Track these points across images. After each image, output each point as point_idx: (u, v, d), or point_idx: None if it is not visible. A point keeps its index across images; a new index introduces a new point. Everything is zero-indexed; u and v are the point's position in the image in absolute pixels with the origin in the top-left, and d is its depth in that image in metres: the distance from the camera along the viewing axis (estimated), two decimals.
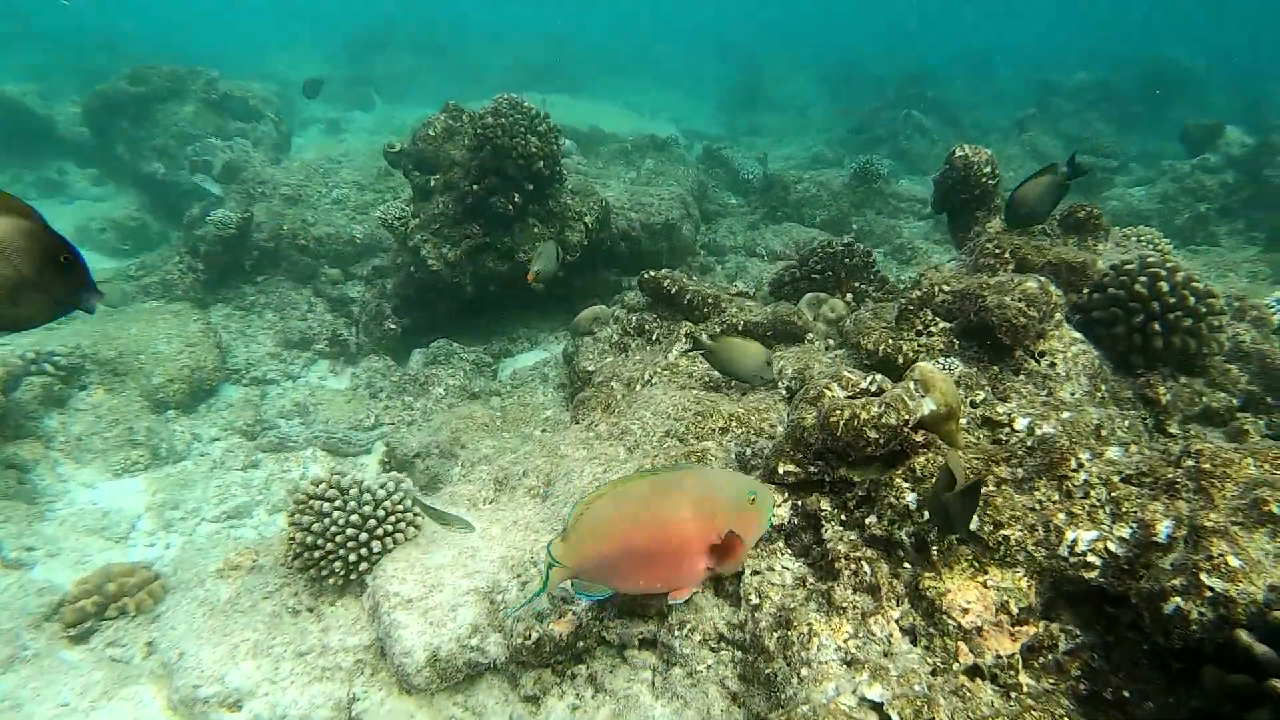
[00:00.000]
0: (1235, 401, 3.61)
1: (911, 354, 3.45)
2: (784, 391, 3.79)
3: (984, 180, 4.75)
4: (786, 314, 4.25)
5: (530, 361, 6.52)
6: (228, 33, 20.55)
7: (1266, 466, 2.28)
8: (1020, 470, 2.49)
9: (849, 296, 4.72)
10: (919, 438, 2.64)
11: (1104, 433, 3.24)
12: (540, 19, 28.77)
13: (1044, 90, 18.19)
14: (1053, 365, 3.42)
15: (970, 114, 17.82)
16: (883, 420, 2.54)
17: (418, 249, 6.14)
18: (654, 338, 4.65)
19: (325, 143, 13.48)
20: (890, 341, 3.50)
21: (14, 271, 1.59)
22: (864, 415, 2.54)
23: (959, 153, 4.73)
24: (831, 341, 4.28)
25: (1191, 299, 3.43)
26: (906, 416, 2.56)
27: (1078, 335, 3.55)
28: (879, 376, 2.83)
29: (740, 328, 4.33)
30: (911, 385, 2.68)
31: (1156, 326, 3.46)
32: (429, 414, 5.63)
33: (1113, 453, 2.48)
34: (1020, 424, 3.09)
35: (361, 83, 18.95)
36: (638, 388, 4.15)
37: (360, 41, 21.84)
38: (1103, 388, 3.48)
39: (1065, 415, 3.15)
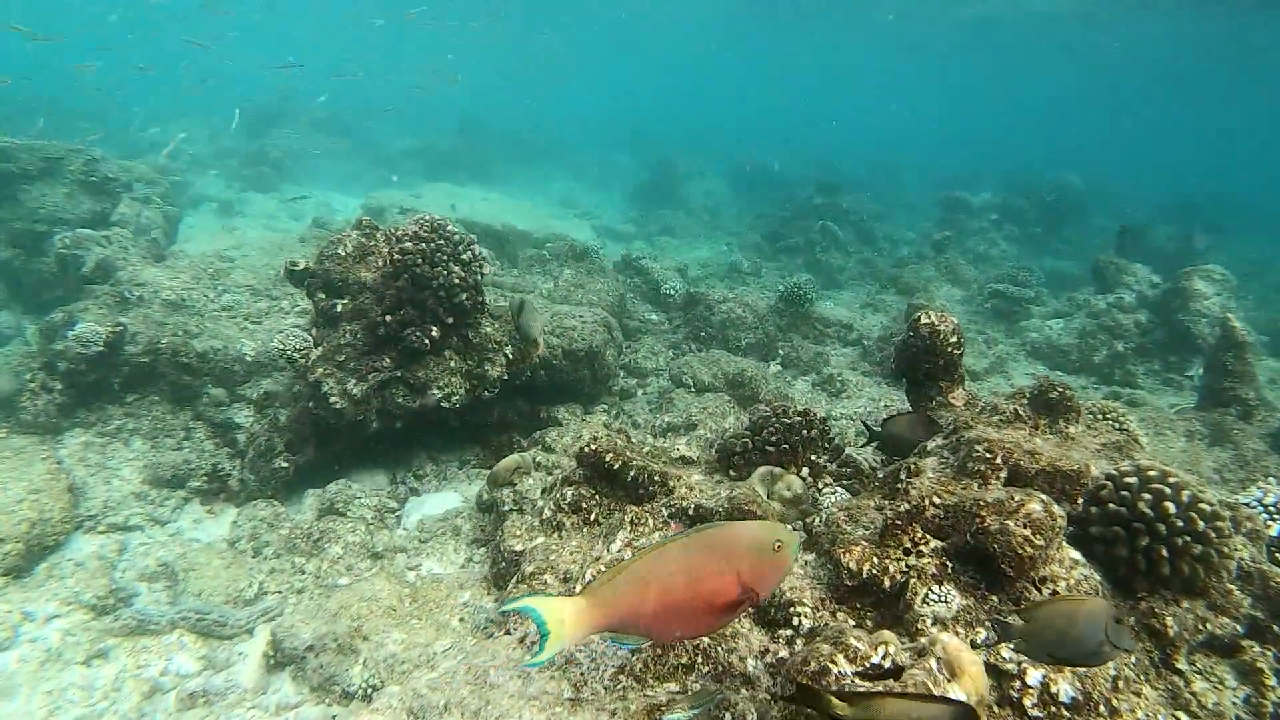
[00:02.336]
0: (1240, 629, 3.32)
1: (899, 575, 3.06)
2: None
3: (950, 350, 4.51)
4: (745, 501, 3.81)
5: (440, 509, 5.89)
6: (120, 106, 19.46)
7: None
8: None
9: (804, 471, 4.33)
10: None
11: (1120, 684, 2.90)
12: (449, 101, 28.58)
13: (951, 208, 18.85)
14: (1055, 593, 3.07)
15: (881, 226, 18.25)
16: None
17: (319, 384, 5.50)
18: (592, 518, 4.13)
19: (217, 228, 12.63)
20: (875, 560, 3.10)
21: None
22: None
23: (924, 320, 4.48)
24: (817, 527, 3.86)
25: (1200, 523, 3.15)
26: None
27: (1078, 556, 3.22)
28: (889, 642, 2.38)
29: (691, 512, 3.86)
30: (934, 665, 2.25)
31: (1163, 551, 3.15)
32: (324, 579, 4.92)
33: None
34: (1032, 679, 2.71)
35: (259, 160, 18.16)
36: (577, 588, 3.61)
37: (261, 114, 21.06)
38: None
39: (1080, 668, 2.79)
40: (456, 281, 5.45)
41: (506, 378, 6.10)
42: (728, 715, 2.59)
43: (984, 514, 3.03)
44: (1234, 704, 3.19)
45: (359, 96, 25.24)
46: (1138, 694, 3.14)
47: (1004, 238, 17.93)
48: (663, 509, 3.95)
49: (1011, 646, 2.58)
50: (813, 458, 4.45)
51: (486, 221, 12.77)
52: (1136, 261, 11.94)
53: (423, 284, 5.39)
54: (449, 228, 5.63)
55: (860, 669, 2.31)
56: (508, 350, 6.13)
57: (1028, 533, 2.93)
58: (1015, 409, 4.24)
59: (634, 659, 2.97)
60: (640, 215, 19.38)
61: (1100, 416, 4.82)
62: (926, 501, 3.18)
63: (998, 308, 11.91)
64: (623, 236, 17.16)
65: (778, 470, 4.30)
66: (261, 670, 4.08)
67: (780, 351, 9.17)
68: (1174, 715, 3.09)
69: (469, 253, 5.61)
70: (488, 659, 3.24)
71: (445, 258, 5.47)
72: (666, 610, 2.10)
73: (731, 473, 4.46)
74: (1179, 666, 3.18)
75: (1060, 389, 4.30)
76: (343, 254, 5.89)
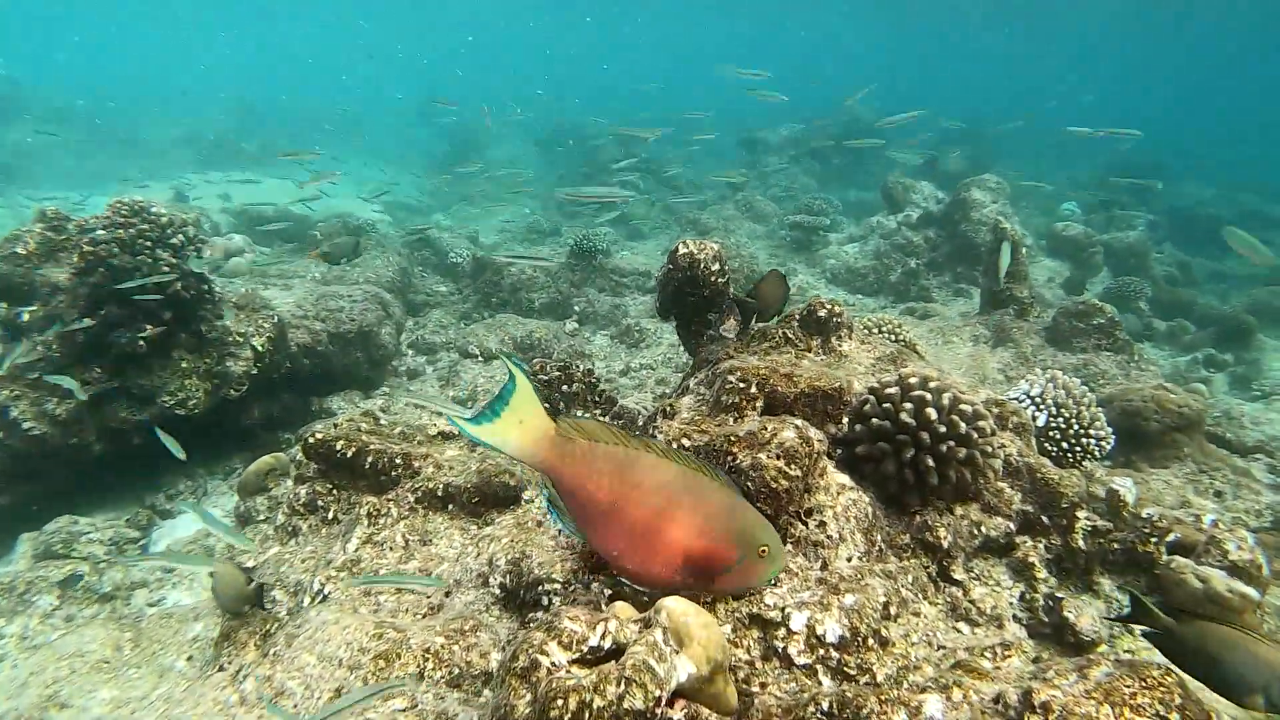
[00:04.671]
0: (1013, 526, 3.24)
1: None
2: (498, 591, 2.94)
3: (713, 278, 4.26)
4: (495, 472, 3.43)
5: (194, 529, 5.21)
6: None
7: (1125, 714, 1.75)
8: None
9: None
10: (679, 713, 1.89)
11: (894, 608, 2.71)
12: (224, 83, 26.45)
13: (751, 148, 19.05)
14: (823, 525, 2.86)
15: (685, 173, 18.20)
16: (626, 704, 1.77)
17: (5, 409, 4.67)
18: (331, 516, 3.64)
19: None
20: None
21: None
22: (599, 702, 1.77)
23: (682, 250, 4.20)
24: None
25: (962, 425, 3.01)
26: (658, 691, 1.81)
27: (845, 480, 3.02)
28: (614, 618, 2.05)
29: (440, 493, 3.44)
30: (659, 637, 1.93)
31: (929, 461, 2.99)
32: (31, 640, 4.19)
33: (932, 705, 1.85)
34: (796, 622, 2.47)
35: None
36: (306, 601, 3.13)
37: None
38: (879, 539, 2.97)
39: (849, 601, 2.57)
40: (166, 269, 4.73)
41: (256, 372, 5.44)
42: None
43: (736, 450, 2.77)
44: (1010, 604, 3.10)
45: (122, 82, 22.91)
46: (916, 614, 2.99)
47: (805, 173, 18.29)
48: (409, 494, 3.51)
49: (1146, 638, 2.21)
50: (580, 413, 4.11)
51: (260, 209, 11.75)
52: (923, 180, 12.37)
53: (124, 277, 4.65)
54: (153, 210, 4.90)
55: (577, 655, 1.96)
56: (255, 342, 5.46)
57: (781, 464, 2.69)
58: (785, 333, 4.04)
59: (353, 675, 2.52)
60: (437, 188, 18.50)
61: (875, 330, 4.73)
62: (675, 445, 2.87)
63: (796, 239, 12.04)
64: (419, 210, 16.32)
65: None
66: None
67: (576, 308, 8.83)
68: (954, 628, 2.97)
69: (180, 236, 4.90)
70: (185, 708, 2.72)
71: (149, 244, 4.75)
72: (618, 516, 1.86)
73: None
74: (956, 577, 3.06)
75: (829, 307, 4.12)
76: (23, 253, 5.03)
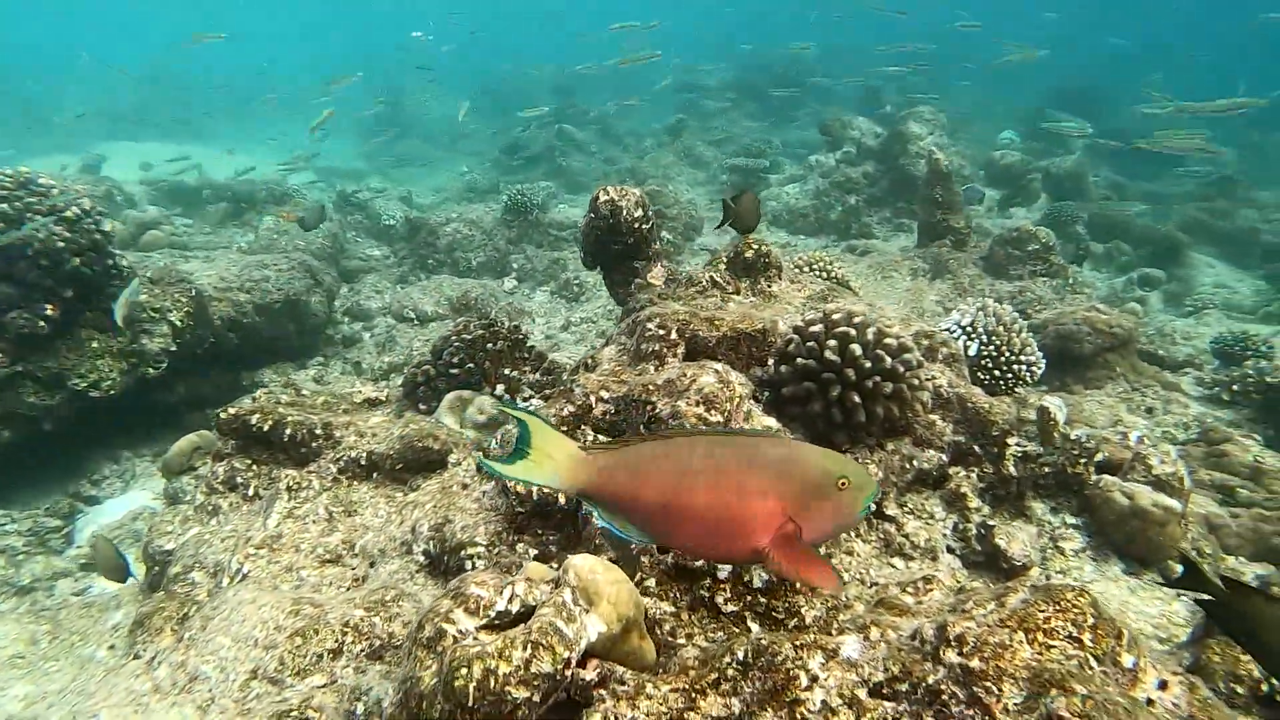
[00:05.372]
0: (945, 458, 3.22)
1: None
2: (421, 558, 2.87)
3: (636, 225, 4.16)
4: (419, 436, 3.33)
5: (121, 513, 5.06)
6: None
7: (1039, 639, 1.72)
8: (736, 701, 1.76)
9: (500, 389, 3.89)
10: (591, 673, 1.83)
11: (822, 551, 2.68)
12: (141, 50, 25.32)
13: (689, 92, 18.79)
14: None
15: (624, 122, 17.93)
16: (534, 668, 1.71)
17: None
18: (251, 492, 3.52)
19: None
20: None
21: None
22: (504, 668, 1.70)
23: (603, 197, 4.09)
24: (489, 448, 3.43)
25: (888, 360, 2.96)
26: (567, 653, 1.75)
27: (772, 421, 2.97)
28: (524, 580, 1.98)
29: (363, 462, 3.34)
30: (567, 598, 1.86)
31: (856, 398, 2.95)
32: None
33: (850, 646, 1.81)
34: (722, 570, 2.43)
35: None
36: (225, 581, 3.02)
37: None
38: None
39: None
40: (60, 245, 4.51)
41: (176, 348, 5.25)
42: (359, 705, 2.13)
43: (655, 398, 2.70)
44: (944, 535, 3.10)
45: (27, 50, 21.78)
46: (850, 553, 2.98)
47: (745, 115, 18.10)
48: (331, 465, 3.40)
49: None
50: (508, 372, 4.02)
51: (178, 178, 11.31)
52: (860, 116, 12.30)
53: (12, 254, 4.41)
54: (41, 180, 4.64)
55: (484, 621, 1.89)
56: (173, 317, 5.25)
57: (701, 410, 2.62)
58: (712, 276, 3.96)
59: (268, 655, 2.44)
60: (371, 152, 17.98)
61: (806, 269, 4.67)
62: (593, 398, 2.80)
63: (736, 182, 11.92)
64: (352, 175, 15.84)
65: (467, 394, 3.84)
66: None
67: (514, 265, 8.67)
68: (889, 564, 2.96)
69: (75, 209, 4.65)
70: (97, 700, 2.62)
71: (38, 216, 4.50)
72: (675, 508, 1.75)
73: (421, 406, 3.97)
74: (889, 513, 3.04)
75: (756, 247, 4.05)
76: None
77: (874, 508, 1.81)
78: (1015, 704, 1.61)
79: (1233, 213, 11.87)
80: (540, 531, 2.76)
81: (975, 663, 1.67)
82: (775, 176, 12.29)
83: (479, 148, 17.57)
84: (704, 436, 1.85)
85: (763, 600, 2.44)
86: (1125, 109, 17.30)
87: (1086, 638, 1.75)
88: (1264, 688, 2.22)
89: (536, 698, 1.72)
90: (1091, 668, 1.70)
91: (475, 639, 1.84)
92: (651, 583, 2.44)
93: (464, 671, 1.69)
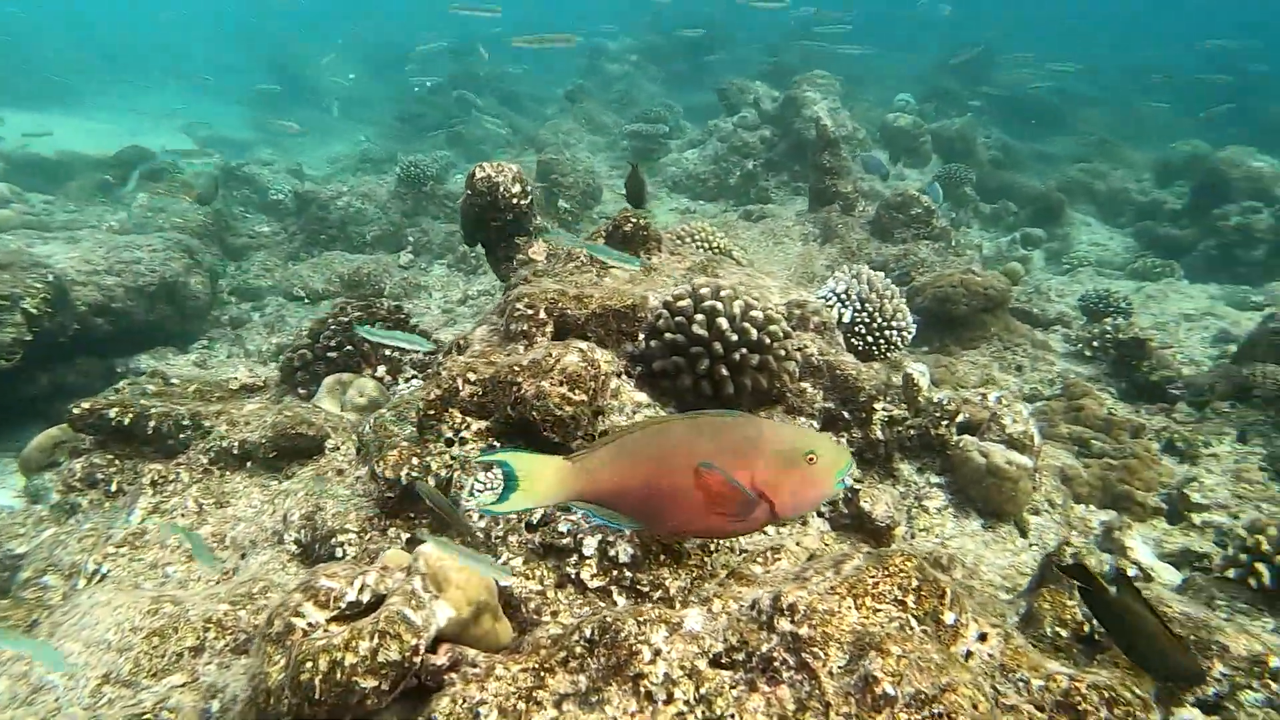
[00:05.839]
0: (816, 424, 3.33)
1: (444, 471, 2.69)
2: (293, 547, 2.85)
3: (515, 200, 4.13)
4: (293, 423, 3.28)
5: None
6: None
7: (867, 604, 1.82)
8: (583, 678, 1.81)
9: (381, 370, 3.85)
10: (442, 658, 1.86)
11: None
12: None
13: (592, 56, 18.60)
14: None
15: (525, 87, 17.67)
16: (381, 658, 1.73)
17: None
18: (114, 489, 3.41)
19: None
20: (416, 460, 2.70)
21: None
22: (350, 659, 1.73)
23: (480, 174, 4.06)
24: (364, 433, 3.40)
25: (754, 332, 3.03)
26: (415, 640, 1.78)
27: (642, 397, 3.03)
28: (378, 569, 1.99)
29: (236, 451, 3.28)
30: (417, 585, 1.89)
31: (724, 370, 3.02)
32: None
33: (693, 619, 1.88)
34: (589, 546, 2.49)
35: None
36: (80, 583, 2.94)
37: None
38: None
39: None
40: None
41: (31, 338, 5.01)
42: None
43: (520, 379, 2.71)
44: None
45: None
46: None
47: (648, 79, 18.02)
48: (201, 456, 3.33)
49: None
50: (389, 352, 3.98)
51: (38, 150, 10.52)
52: (758, 81, 12.38)
53: None
54: None
55: (335, 612, 1.90)
56: (26, 305, 5.01)
57: (565, 390, 2.65)
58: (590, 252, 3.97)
59: (122, 657, 2.39)
60: (261, 120, 17.24)
61: (688, 239, 4.72)
62: (460, 381, 2.80)
63: (636, 148, 11.90)
64: (243, 145, 15.22)
65: (346, 377, 3.80)
66: None
67: (410, 238, 8.52)
68: (762, 531, 3.05)
69: None
70: None
71: None
72: (658, 494, 1.91)
73: (300, 391, 3.90)
74: None
75: (635, 220, 4.08)
76: None
77: (850, 481, 1.93)
78: (839, 667, 1.71)
79: (1108, 173, 12.39)
80: (413, 515, 2.77)
81: (804, 630, 1.75)
82: (676, 142, 12.31)
83: (376, 115, 17.08)
84: (679, 422, 1.96)
85: (629, 574, 2.50)
86: (1011, 71, 17.84)
87: (910, 600, 1.85)
88: (1085, 629, 2.40)
89: (385, 686, 1.74)
90: (911, 628, 1.80)
91: (325, 631, 1.85)
92: (518, 562, 2.47)
93: (310, 665, 1.71)
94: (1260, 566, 2.83)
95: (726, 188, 10.60)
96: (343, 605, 1.90)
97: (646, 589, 2.51)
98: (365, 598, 1.91)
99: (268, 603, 2.56)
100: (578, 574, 2.46)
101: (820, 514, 3.24)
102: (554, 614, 2.36)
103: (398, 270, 7.61)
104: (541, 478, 1.93)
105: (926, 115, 14.14)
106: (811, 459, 1.87)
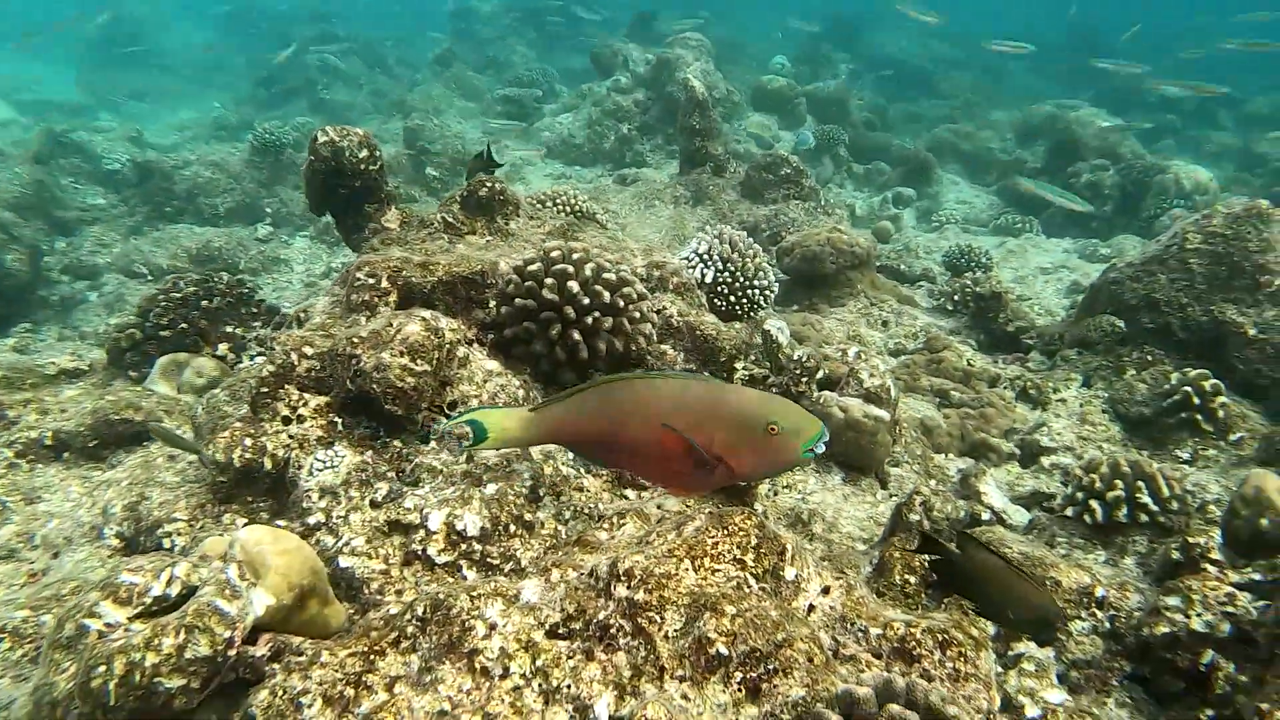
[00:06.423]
0: None
1: (282, 451, 2.56)
2: (115, 541, 2.68)
3: (363, 166, 3.94)
4: (116, 408, 3.08)
5: None
6: None
7: (706, 565, 1.81)
8: (415, 658, 1.75)
9: (223, 348, 3.65)
10: (263, 648, 1.76)
11: (541, 492, 2.71)
12: None
13: (460, 19, 18.08)
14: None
15: (395, 51, 17.08)
16: (189, 654, 1.63)
17: None
18: None
19: None
20: (250, 440, 2.56)
21: None
22: (152, 659, 1.62)
23: (322, 138, 3.84)
24: (197, 416, 3.22)
25: (607, 294, 2.99)
26: (229, 632, 1.68)
27: (494, 365, 2.95)
28: (189, 560, 1.86)
29: (49, 442, 3.05)
30: (231, 573, 1.78)
31: (576, 335, 2.96)
32: None
33: (530, 590, 1.83)
34: (434, 521, 2.41)
35: None
36: None
37: None
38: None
39: (490, 490, 2.53)
40: None
41: None
42: None
43: (360, 351, 2.59)
44: None
45: None
46: (579, 489, 3.03)
47: (524, 42, 17.64)
48: (5, 449, 3.08)
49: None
50: (233, 329, 3.77)
51: None
52: (631, 43, 12.27)
53: None
54: None
55: (139, 609, 1.77)
56: None
57: (406, 360, 2.55)
58: (444, 218, 3.85)
59: None
60: (93, 82, 16.04)
61: (550, 204, 4.64)
62: (295, 355, 2.66)
63: (510, 113, 11.66)
64: (76, 110, 14.15)
65: (183, 357, 3.58)
66: None
67: (268, 210, 8.12)
68: (622, 495, 3.02)
69: None
70: None
71: None
72: (615, 447, 1.99)
73: (132, 374, 3.66)
74: None
75: (489, 185, 3.96)
76: None
77: (821, 449, 1.88)
78: (675, 630, 1.69)
79: (974, 134, 12.86)
80: (250, 499, 2.63)
81: (640, 595, 1.73)
82: (550, 106, 12.11)
83: (231, 80, 16.20)
84: (638, 381, 1.99)
85: (478, 548, 2.44)
86: (891, 36, 18.29)
87: (749, 559, 1.85)
88: (933, 575, 2.47)
89: (195, 684, 1.64)
90: (750, 586, 1.80)
91: (125, 631, 1.72)
92: (360, 542, 2.38)
93: (102, 669, 1.59)
94: (1094, 503, 2.97)
95: (602, 152, 10.50)
96: (148, 601, 1.77)
97: (497, 561, 2.46)
98: (175, 591, 1.79)
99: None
100: (424, 550, 2.38)
101: None
102: (398, 593, 2.29)
103: (254, 244, 7.24)
104: (507, 427, 2.04)
105: (802, 78, 14.34)
106: (773, 430, 1.85)
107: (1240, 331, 4.33)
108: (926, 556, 2.45)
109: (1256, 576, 2.27)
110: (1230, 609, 2.17)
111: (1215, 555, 2.46)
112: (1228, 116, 14.95)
